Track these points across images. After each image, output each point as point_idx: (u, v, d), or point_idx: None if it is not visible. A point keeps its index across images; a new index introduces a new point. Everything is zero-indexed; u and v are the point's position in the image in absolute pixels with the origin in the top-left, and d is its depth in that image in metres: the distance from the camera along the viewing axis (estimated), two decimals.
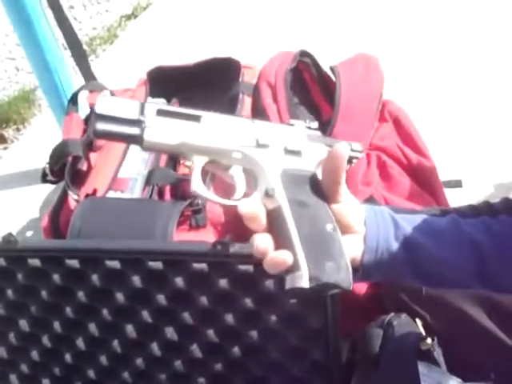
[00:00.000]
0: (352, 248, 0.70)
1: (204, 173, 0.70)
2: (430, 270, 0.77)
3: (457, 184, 1.60)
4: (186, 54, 2.37)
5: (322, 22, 2.56)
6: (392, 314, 1.14)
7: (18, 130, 2.47)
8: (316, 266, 0.65)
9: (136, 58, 2.59)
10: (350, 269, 0.67)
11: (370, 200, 1.21)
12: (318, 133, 0.77)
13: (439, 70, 2.21)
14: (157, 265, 1.03)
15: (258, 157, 0.72)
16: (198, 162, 0.70)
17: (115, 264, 1.05)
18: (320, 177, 0.72)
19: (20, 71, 2.81)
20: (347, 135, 1.19)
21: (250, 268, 0.98)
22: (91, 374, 1.17)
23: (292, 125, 0.76)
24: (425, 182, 1.37)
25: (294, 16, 2.64)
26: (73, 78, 1.88)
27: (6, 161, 2.29)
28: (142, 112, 0.68)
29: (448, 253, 0.76)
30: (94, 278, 1.06)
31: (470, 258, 0.77)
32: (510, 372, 1.00)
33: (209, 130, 0.70)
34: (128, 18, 3.07)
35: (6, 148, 2.39)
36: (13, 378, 1.22)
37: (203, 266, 1.00)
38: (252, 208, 0.66)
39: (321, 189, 0.71)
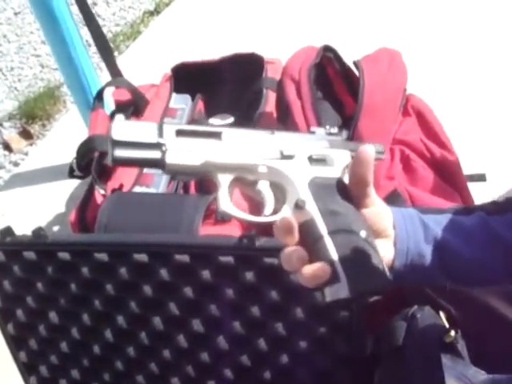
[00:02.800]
0: (383, 253, 0.70)
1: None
2: (460, 270, 0.77)
3: (480, 178, 1.60)
4: (209, 50, 2.38)
5: (343, 16, 2.56)
6: (416, 307, 1.15)
7: (43, 126, 2.51)
8: (354, 275, 0.65)
9: (159, 54, 2.61)
10: (388, 272, 0.67)
11: (394, 194, 1.22)
12: (340, 138, 0.76)
13: (463, 64, 2.21)
14: (184, 258, 1.04)
15: (284, 168, 0.70)
16: (223, 181, 0.68)
17: (143, 257, 1.06)
18: (347, 182, 0.71)
19: (45, 68, 2.85)
20: (370, 131, 1.20)
21: (275, 261, 0.99)
22: (119, 365, 1.19)
23: (313, 132, 0.75)
24: (448, 175, 1.37)
25: (315, 11, 2.64)
26: (97, 75, 1.90)
27: (32, 157, 2.33)
28: (160, 134, 0.65)
29: (477, 252, 0.77)
30: (122, 271, 1.08)
31: (498, 256, 0.77)
32: None
33: (231, 147, 0.68)
34: (151, 14, 3.09)
35: (31, 144, 2.43)
36: (42, 368, 1.25)
37: (230, 259, 1.02)
38: (287, 223, 0.65)
39: (349, 195, 0.70)
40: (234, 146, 0.68)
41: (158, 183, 1.44)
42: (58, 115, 2.56)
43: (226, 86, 1.68)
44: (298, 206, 0.67)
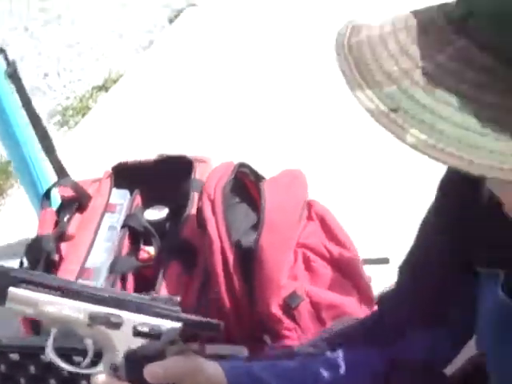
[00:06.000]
0: None
1: None
2: None
3: (384, 261, 1.85)
4: (155, 127, 2.62)
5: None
6: None
7: None
8: None
9: (106, 132, 2.82)
10: None
11: (293, 295, 1.46)
12: (177, 308, 0.85)
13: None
14: None
15: (108, 334, 0.81)
16: (52, 333, 0.84)
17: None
18: (168, 355, 0.83)
19: None
20: (271, 244, 1.44)
21: None
22: None
23: (154, 299, 0.85)
24: (347, 271, 1.61)
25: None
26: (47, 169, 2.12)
27: None
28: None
29: None
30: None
31: None
32: None
33: (62, 303, 0.82)
34: (99, 89, 3.29)
35: None
36: None
37: None
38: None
39: None
40: (66, 302, 0.82)
41: (98, 277, 1.65)
42: (11, 190, 2.74)
43: (159, 184, 1.90)
44: (113, 369, 0.81)
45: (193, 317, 0.85)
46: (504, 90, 0.53)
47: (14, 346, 1.32)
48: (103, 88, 3.29)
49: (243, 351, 1.21)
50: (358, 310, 1.59)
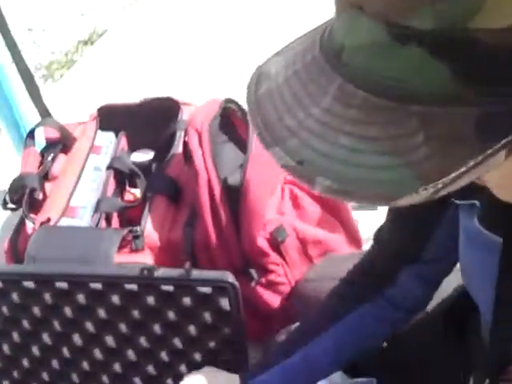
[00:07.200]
0: None
1: None
2: None
3: (372, 207, 1.84)
4: (141, 81, 2.59)
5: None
6: None
7: None
8: None
9: (92, 83, 2.80)
10: None
11: (279, 229, 1.44)
12: None
13: None
14: (97, 286, 1.26)
15: None
16: None
17: (64, 285, 1.28)
18: None
19: None
20: (258, 176, 1.42)
21: (170, 288, 1.22)
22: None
23: None
24: (334, 209, 1.61)
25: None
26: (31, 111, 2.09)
27: None
28: None
29: None
30: (47, 296, 1.29)
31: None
32: None
33: None
34: (85, 43, 3.27)
35: None
36: None
37: (134, 286, 1.24)
38: None
39: None
40: None
41: (83, 216, 1.64)
42: None
43: (146, 126, 1.88)
44: None
45: None
46: (384, 122, 0.52)
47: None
48: (88, 42, 3.26)
49: (227, 276, 1.20)
50: (344, 248, 1.58)
